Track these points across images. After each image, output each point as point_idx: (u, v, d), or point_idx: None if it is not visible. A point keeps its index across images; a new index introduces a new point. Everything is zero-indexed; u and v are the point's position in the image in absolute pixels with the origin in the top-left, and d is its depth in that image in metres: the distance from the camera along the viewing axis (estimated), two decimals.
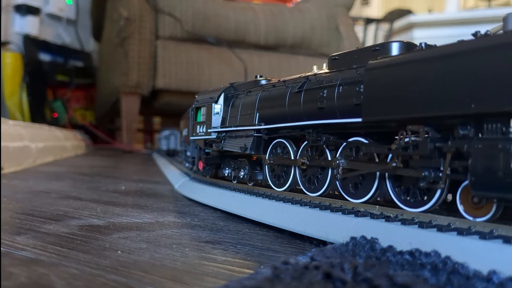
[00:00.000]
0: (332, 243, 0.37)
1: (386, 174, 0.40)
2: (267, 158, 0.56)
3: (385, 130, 0.41)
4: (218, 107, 0.65)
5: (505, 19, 0.34)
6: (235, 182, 0.64)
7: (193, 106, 0.74)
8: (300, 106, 0.48)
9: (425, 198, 0.38)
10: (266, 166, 0.57)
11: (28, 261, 0.33)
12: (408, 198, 0.39)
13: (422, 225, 0.35)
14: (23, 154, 1.13)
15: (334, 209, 0.43)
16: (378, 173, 0.41)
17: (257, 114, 0.56)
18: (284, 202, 0.49)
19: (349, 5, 2.36)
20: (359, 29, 2.82)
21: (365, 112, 0.40)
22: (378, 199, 0.44)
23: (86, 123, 2.62)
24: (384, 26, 2.89)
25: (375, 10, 3.59)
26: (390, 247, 0.32)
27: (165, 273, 0.32)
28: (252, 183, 0.60)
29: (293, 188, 0.53)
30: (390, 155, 0.39)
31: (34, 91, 2.28)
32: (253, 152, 0.57)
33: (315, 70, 0.50)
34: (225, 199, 0.59)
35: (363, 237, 0.34)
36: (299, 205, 0.47)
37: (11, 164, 1.03)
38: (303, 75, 0.51)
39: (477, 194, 0.32)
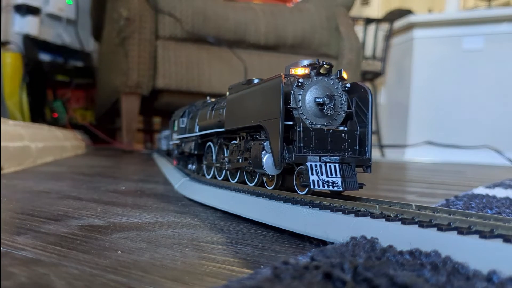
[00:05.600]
0: (332, 243, 0.37)
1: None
2: (204, 158, 0.77)
3: (240, 135, 0.60)
4: (182, 120, 0.88)
5: (286, 67, 0.51)
6: (195, 173, 0.82)
7: (172, 119, 0.99)
8: (212, 119, 0.69)
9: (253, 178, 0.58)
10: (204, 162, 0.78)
11: (28, 261, 0.33)
12: (250, 178, 0.59)
13: (422, 224, 0.35)
14: (23, 154, 1.13)
15: (334, 209, 0.43)
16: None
17: (197, 125, 0.77)
18: (284, 202, 0.49)
19: (349, 5, 2.36)
20: (359, 29, 2.82)
21: (225, 125, 0.62)
22: (239, 180, 0.62)
23: (86, 123, 2.62)
24: (384, 26, 2.89)
25: (375, 10, 3.60)
26: (390, 247, 0.32)
27: (165, 273, 0.32)
28: (200, 173, 0.80)
29: (215, 177, 0.71)
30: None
31: (34, 91, 2.28)
32: (196, 152, 0.77)
33: (227, 94, 0.68)
34: (225, 199, 0.59)
35: (363, 237, 0.34)
36: (299, 205, 0.47)
37: (11, 164, 1.03)
38: (219, 98, 0.72)
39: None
